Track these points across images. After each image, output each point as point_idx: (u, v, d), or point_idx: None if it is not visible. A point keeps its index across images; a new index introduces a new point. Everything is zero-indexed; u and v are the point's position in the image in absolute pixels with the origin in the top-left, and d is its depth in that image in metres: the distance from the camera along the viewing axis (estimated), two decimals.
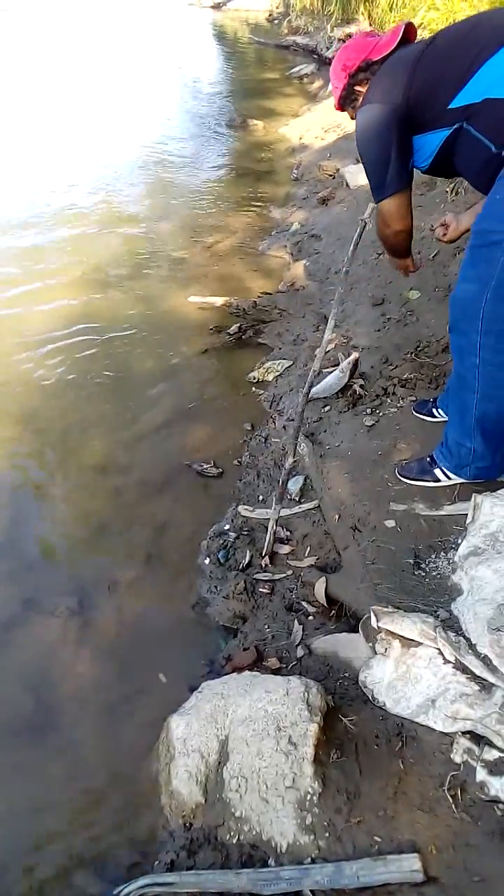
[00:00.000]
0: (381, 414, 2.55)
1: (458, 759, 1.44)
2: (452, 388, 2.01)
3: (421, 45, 1.78)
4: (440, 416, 2.38)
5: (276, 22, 14.60)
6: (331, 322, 1.85)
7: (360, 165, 5.07)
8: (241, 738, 1.52)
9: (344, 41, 8.61)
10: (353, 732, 1.53)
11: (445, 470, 2.11)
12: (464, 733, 1.46)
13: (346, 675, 1.74)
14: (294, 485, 2.44)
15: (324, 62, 9.88)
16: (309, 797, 1.40)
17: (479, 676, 1.51)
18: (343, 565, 2.03)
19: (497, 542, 1.87)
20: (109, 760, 1.76)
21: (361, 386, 2.75)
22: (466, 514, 2.01)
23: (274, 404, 3.01)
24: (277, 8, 15.37)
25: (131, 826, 1.62)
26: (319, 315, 3.53)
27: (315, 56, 10.46)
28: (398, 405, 2.56)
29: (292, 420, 2.75)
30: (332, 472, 2.33)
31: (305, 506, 2.33)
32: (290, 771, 1.43)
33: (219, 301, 3.69)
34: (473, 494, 2.00)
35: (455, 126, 1.68)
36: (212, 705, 1.63)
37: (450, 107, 1.66)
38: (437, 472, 2.12)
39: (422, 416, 2.44)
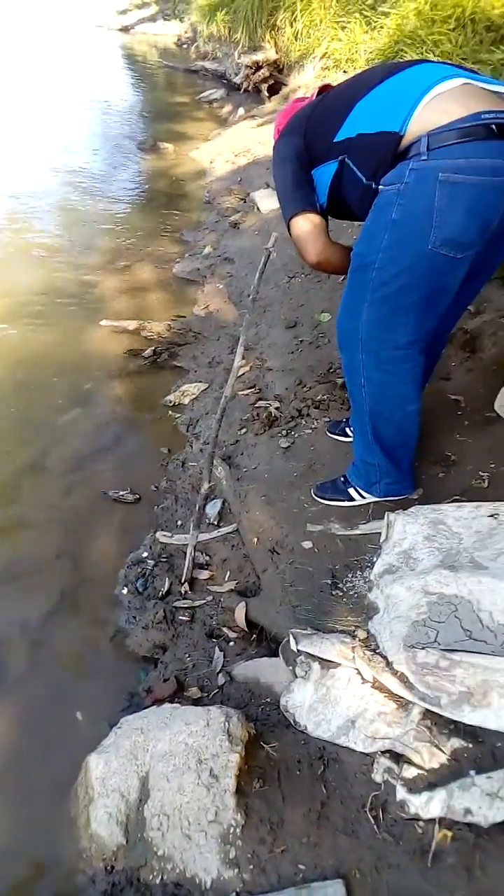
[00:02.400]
0: (296, 435, 2.58)
1: (378, 778, 1.45)
2: (351, 408, 2.07)
3: (316, 101, 1.92)
4: (352, 435, 2.43)
5: (185, 46, 14.77)
6: (240, 348, 1.86)
7: (270, 190, 5.18)
8: (162, 774, 1.49)
9: (251, 68, 8.85)
10: (275, 759, 1.52)
11: (358, 489, 2.15)
12: (383, 752, 1.47)
13: (268, 700, 1.74)
14: (212, 509, 2.43)
15: (233, 88, 10.05)
16: (232, 830, 1.38)
17: (396, 694, 1.53)
18: (262, 589, 2.03)
19: (410, 559, 1.92)
20: (25, 809, 1.68)
21: (277, 408, 2.77)
22: (381, 533, 2.06)
23: (191, 428, 2.99)
24: (186, 33, 15.55)
25: (50, 875, 1.55)
26: (234, 338, 3.55)
27: (224, 81, 10.63)
28: (312, 426, 2.60)
29: (209, 444, 2.75)
30: (250, 495, 2.34)
31: (224, 530, 2.32)
32: (212, 804, 1.41)
33: (132, 325, 3.66)
34: (386, 513, 2.04)
35: (339, 159, 1.77)
36: (131, 741, 1.59)
37: (335, 141, 1.76)
38: (351, 491, 2.16)
39: (335, 437, 2.49)
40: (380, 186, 1.66)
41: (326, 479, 2.28)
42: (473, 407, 2.43)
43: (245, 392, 2.99)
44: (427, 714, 1.48)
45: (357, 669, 1.61)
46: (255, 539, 2.17)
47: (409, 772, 1.41)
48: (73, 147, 7.47)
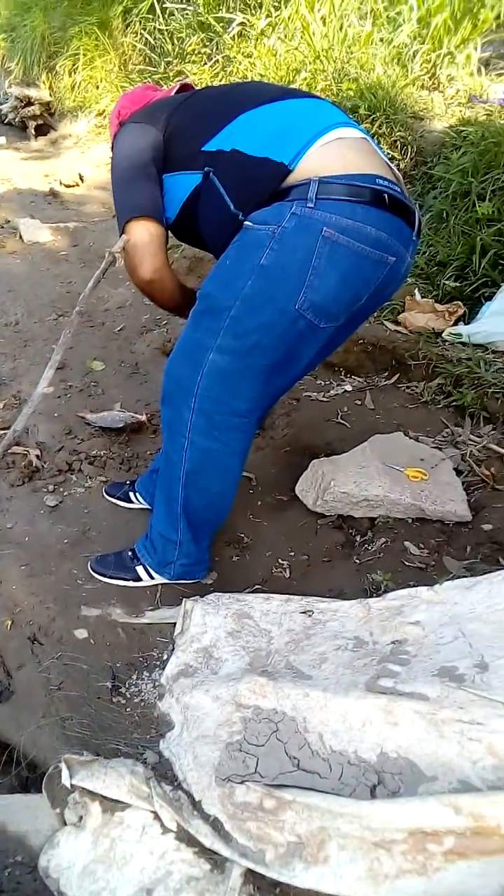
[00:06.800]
0: (66, 493, 2.13)
1: None
2: (161, 470, 1.74)
3: (184, 95, 1.65)
4: (138, 501, 2.07)
5: None
6: (49, 371, 1.41)
7: (37, 222, 4.75)
8: None
9: (22, 101, 8.38)
10: None
11: (148, 567, 1.79)
12: None
13: (19, 858, 1.23)
14: None
15: None
16: None
17: (208, 849, 1.16)
18: (15, 691, 1.52)
19: (211, 658, 1.59)
20: None
21: (38, 457, 2.30)
22: (172, 623, 1.71)
23: None
24: None
25: None
26: None
27: None
28: (86, 484, 2.18)
29: None
30: (5, 563, 1.82)
31: None
32: None
33: None
34: (184, 600, 1.71)
35: (204, 171, 1.48)
36: None
37: (203, 148, 1.48)
38: (139, 569, 1.79)
39: (116, 501, 2.10)
40: (247, 222, 1.41)
41: (105, 551, 1.87)
42: (266, 488, 2.25)
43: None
44: (249, 876, 1.13)
45: (155, 813, 1.21)
46: (9, 622, 1.65)
47: None
48: None
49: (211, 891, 1.11)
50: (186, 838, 1.18)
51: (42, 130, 8.61)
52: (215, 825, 1.19)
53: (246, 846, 1.15)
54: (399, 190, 1.40)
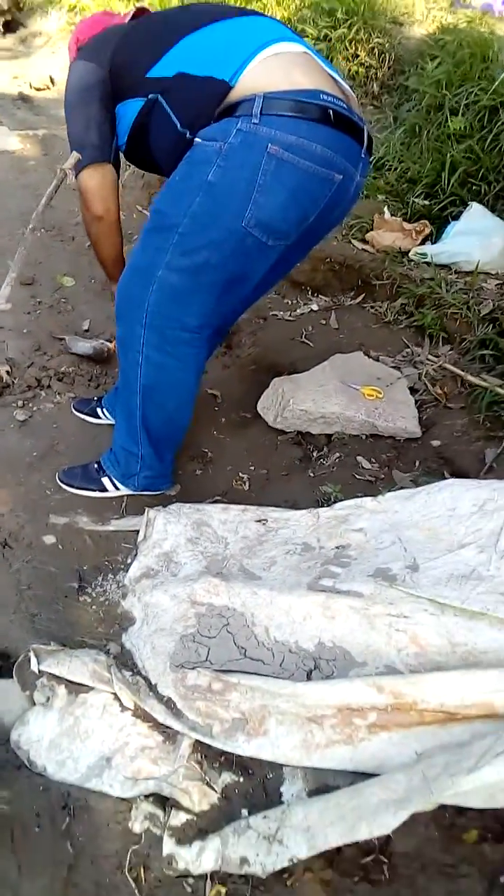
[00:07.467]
0: (35, 408, 2.19)
1: (137, 828, 1.21)
2: (120, 387, 1.81)
3: (134, 20, 1.66)
4: (105, 417, 2.14)
5: None
6: (5, 288, 1.46)
7: (4, 128, 4.59)
8: None
9: None
10: (5, 815, 1.19)
11: (113, 479, 1.88)
12: (146, 797, 1.24)
13: None
14: None
15: None
16: None
17: (162, 724, 1.31)
18: None
19: (171, 562, 1.71)
20: None
21: (9, 373, 2.35)
22: (136, 531, 1.82)
23: None
24: None
25: None
26: None
27: None
28: (55, 400, 2.24)
29: None
30: None
31: None
32: None
33: None
34: (146, 509, 1.81)
35: (149, 97, 1.50)
36: None
37: (147, 76, 1.50)
38: (105, 480, 1.88)
39: (84, 416, 2.17)
40: (196, 139, 1.43)
41: (73, 464, 1.96)
42: (230, 404, 2.33)
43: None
44: (198, 746, 1.28)
45: (114, 694, 1.35)
46: None
47: (178, 818, 1.20)
48: None
49: (163, 758, 1.26)
50: (142, 715, 1.32)
51: (10, 27, 8.13)
52: (169, 704, 1.33)
53: (195, 721, 1.30)
54: (346, 106, 1.42)
